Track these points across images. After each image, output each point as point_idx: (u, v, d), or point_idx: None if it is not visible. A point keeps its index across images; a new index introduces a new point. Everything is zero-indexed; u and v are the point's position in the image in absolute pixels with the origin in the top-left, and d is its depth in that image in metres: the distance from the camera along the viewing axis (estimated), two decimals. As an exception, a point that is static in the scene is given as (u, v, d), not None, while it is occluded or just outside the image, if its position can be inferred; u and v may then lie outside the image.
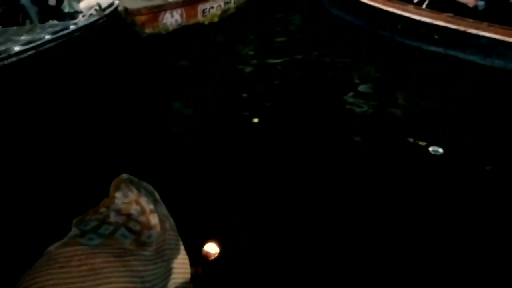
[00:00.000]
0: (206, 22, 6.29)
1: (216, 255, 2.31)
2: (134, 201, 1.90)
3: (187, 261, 1.85)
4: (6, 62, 4.29)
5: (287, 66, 5.20)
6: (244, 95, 4.48)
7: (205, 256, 2.31)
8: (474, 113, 4.09)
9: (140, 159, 3.08)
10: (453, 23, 4.99)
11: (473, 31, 4.84)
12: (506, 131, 3.80)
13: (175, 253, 1.79)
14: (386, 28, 5.63)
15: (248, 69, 5.06)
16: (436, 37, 5.15)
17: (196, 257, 2.18)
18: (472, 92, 4.56)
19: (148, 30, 5.65)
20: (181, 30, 5.92)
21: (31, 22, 5.36)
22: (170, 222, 1.91)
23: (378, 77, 5.04)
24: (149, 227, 1.81)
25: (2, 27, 5.10)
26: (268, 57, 5.44)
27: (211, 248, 2.36)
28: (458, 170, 3.18)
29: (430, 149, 3.43)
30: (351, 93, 4.57)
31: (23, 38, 4.72)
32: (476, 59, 4.96)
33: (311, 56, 5.51)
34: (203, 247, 2.34)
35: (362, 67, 5.31)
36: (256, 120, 3.94)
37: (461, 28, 4.92)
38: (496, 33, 4.75)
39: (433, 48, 5.25)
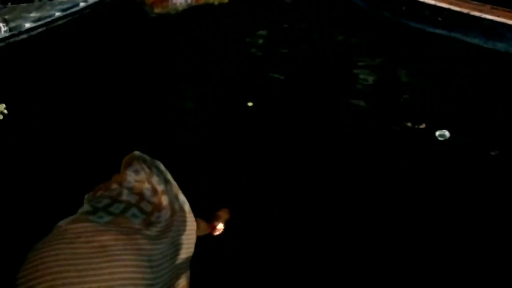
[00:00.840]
0: (216, 3, 6.23)
1: (222, 230, 2.34)
2: (146, 180, 1.89)
3: (193, 245, 1.86)
4: (17, 38, 4.31)
5: (293, 50, 5.13)
6: (250, 79, 4.43)
7: (213, 230, 2.35)
8: (478, 97, 4.03)
9: (148, 136, 3.10)
10: (456, 5, 5.02)
11: (476, 14, 4.84)
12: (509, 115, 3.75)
13: (181, 233, 1.80)
14: (391, 10, 5.62)
15: (255, 52, 5.01)
16: (439, 19, 5.16)
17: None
18: (475, 76, 4.50)
19: (157, 10, 5.61)
20: (190, 11, 5.87)
21: (40, -1, 5.33)
22: (179, 203, 1.91)
23: (382, 60, 4.99)
24: (160, 208, 1.82)
25: (12, 3, 5.09)
26: (275, 41, 5.37)
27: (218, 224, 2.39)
28: (466, 154, 3.13)
29: (437, 133, 3.39)
30: (354, 78, 4.53)
31: (33, 15, 4.72)
32: (480, 42, 4.96)
33: (315, 40, 5.43)
34: (210, 222, 2.37)
35: (366, 49, 5.26)
36: (250, 104, 3.91)
37: (464, 10, 4.92)
38: (498, 15, 4.76)
39: (437, 31, 5.28)
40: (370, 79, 4.43)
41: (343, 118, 3.71)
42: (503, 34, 4.74)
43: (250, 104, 3.81)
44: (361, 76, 4.53)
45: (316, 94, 4.17)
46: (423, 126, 3.41)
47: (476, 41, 4.93)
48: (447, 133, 3.31)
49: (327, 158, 3.19)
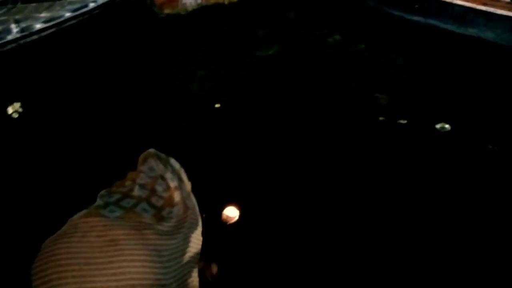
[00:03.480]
0: (226, 2, 6.22)
1: (234, 220, 2.38)
2: (159, 176, 1.95)
3: (200, 241, 1.90)
4: (28, 39, 4.37)
5: (300, 50, 5.15)
6: (257, 79, 4.45)
7: (224, 221, 2.39)
8: (460, 85, 4.05)
9: (158, 135, 3.14)
10: None
11: (447, 0, 4.91)
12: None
13: (193, 231, 1.84)
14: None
15: (264, 53, 5.02)
16: (416, 6, 5.26)
17: (215, 222, 2.28)
18: (453, 63, 4.52)
19: (167, 11, 5.66)
20: (200, 11, 5.88)
21: (49, -1, 5.40)
22: (192, 201, 1.96)
23: (366, 46, 5.01)
24: (172, 204, 1.87)
25: (22, 3, 5.16)
26: (282, 41, 5.38)
27: (230, 213, 2.43)
28: (467, 147, 3.13)
29: (438, 126, 3.39)
30: (344, 70, 4.55)
31: (43, 15, 4.77)
32: (453, 28, 5.02)
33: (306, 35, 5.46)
34: (221, 213, 2.42)
35: (350, 38, 5.29)
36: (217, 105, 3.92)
37: None
38: (467, 0, 4.81)
39: (415, 18, 5.36)
40: (358, 71, 4.44)
41: (339, 112, 3.70)
42: (472, 20, 4.85)
43: (217, 105, 3.81)
44: (351, 67, 4.55)
45: (310, 89, 4.17)
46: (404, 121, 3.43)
47: (449, 27, 5.00)
48: (447, 126, 3.31)
49: (330, 151, 3.18)
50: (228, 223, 2.39)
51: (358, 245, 2.32)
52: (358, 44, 5.10)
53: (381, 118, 3.50)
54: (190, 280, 1.77)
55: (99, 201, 1.80)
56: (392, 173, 2.88)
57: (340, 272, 2.15)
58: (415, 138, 3.28)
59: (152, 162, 2.03)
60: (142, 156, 2.08)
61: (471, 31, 4.86)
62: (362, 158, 3.06)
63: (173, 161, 2.10)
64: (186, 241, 1.77)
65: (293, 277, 2.09)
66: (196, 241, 1.84)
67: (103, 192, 1.88)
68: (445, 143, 3.21)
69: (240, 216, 2.42)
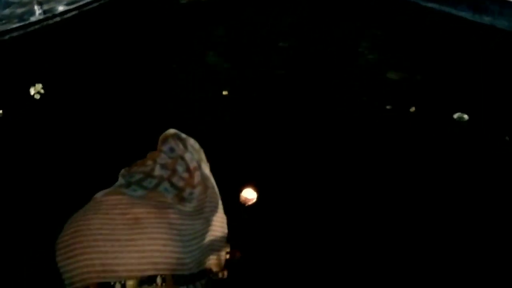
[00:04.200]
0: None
1: (253, 201, 2.39)
2: (179, 157, 1.97)
3: (225, 220, 1.92)
4: (50, 22, 4.42)
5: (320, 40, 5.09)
6: (275, 71, 4.42)
7: (243, 203, 2.40)
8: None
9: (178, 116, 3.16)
10: None
11: None
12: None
13: (214, 212, 1.85)
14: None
15: (284, 44, 4.98)
16: None
17: (235, 204, 2.29)
18: (467, 51, 4.41)
19: (188, -3, 5.65)
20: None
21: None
22: (211, 182, 1.97)
23: (382, 33, 4.93)
24: (192, 184, 1.88)
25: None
26: (303, 31, 5.32)
27: (249, 195, 2.44)
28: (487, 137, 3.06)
29: (455, 116, 3.31)
30: (356, 60, 4.48)
31: (66, -3, 4.83)
32: (467, 15, 4.91)
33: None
34: (240, 194, 2.43)
35: (362, 24, 5.21)
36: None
37: None
38: None
39: (429, 4, 5.26)
40: (373, 60, 4.38)
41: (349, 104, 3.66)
42: (487, 8, 4.72)
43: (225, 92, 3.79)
44: (364, 58, 4.48)
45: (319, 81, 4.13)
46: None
47: (464, 14, 4.92)
48: (465, 116, 3.24)
49: (341, 142, 3.16)
50: (246, 205, 2.39)
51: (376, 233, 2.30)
52: (374, 30, 5.03)
53: (411, 109, 3.45)
54: (209, 262, 1.79)
55: (121, 180, 1.82)
56: (408, 164, 2.83)
57: (364, 257, 2.13)
58: (432, 127, 3.22)
59: (172, 142, 2.04)
60: (162, 136, 2.10)
61: (486, 19, 4.75)
62: (376, 147, 3.02)
63: (192, 142, 2.12)
64: (208, 223, 1.78)
65: (312, 261, 2.08)
66: (218, 224, 1.85)
67: (124, 171, 1.91)
68: (464, 134, 3.14)
69: (259, 198, 2.42)
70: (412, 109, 3.42)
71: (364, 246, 2.17)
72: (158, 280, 1.56)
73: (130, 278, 1.53)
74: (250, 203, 2.41)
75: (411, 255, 2.15)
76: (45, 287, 1.75)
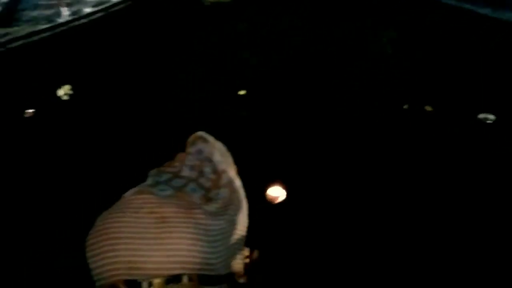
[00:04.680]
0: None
1: (280, 200, 2.40)
2: (207, 159, 2.00)
3: (246, 225, 1.93)
4: (77, 23, 4.55)
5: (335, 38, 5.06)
6: (292, 66, 4.41)
7: (270, 201, 2.41)
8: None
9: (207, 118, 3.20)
10: None
11: None
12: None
13: (239, 214, 1.86)
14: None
15: (300, 41, 4.95)
16: None
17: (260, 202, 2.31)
18: (488, 48, 4.31)
19: (212, -1, 5.73)
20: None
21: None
22: (237, 184, 1.99)
23: (397, 34, 4.87)
24: (218, 186, 1.90)
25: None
26: (317, 28, 5.30)
27: (275, 193, 2.45)
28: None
29: (481, 116, 3.23)
30: (372, 55, 4.43)
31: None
32: (487, 12, 4.81)
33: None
34: (266, 193, 2.44)
35: (380, 21, 5.15)
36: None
37: None
38: None
39: (448, 1, 5.19)
40: (391, 59, 4.31)
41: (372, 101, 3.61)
42: (510, 4, 4.63)
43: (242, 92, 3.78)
44: (382, 53, 4.42)
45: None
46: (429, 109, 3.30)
47: (483, 11, 4.83)
48: (491, 116, 3.15)
49: (357, 140, 3.13)
50: (273, 203, 2.40)
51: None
52: (389, 30, 4.98)
53: (427, 108, 3.41)
54: (235, 262, 1.80)
55: (150, 180, 1.86)
56: (430, 165, 2.79)
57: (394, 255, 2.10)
58: (457, 128, 3.15)
59: (200, 145, 2.07)
60: (191, 138, 2.14)
61: (508, 15, 4.66)
62: (396, 147, 2.98)
63: (220, 145, 2.14)
64: (232, 223, 1.80)
65: (341, 260, 2.06)
66: (242, 224, 1.86)
67: (153, 171, 1.94)
68: (489, 135, 3.07)
69: (287, 196, 2.42)
70: (429, 108, 3.37)
71: (394, 249, 2.14)
72: (185, 279, 1.57)
73: (157, 276, 1.55)
74: (277, 201, 2.42)
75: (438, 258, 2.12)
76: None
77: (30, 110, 3.51)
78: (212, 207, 1.76)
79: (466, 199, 2.44)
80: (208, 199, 1.81)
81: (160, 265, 1.57)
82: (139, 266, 1.56)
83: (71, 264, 1.94)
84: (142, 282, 1.55)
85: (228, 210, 1.81)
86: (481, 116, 3.23)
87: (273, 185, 2.52)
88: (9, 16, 4.72)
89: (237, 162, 2.15)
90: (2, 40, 4.34)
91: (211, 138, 2.12)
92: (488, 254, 2.08)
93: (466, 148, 2.91)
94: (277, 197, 2.45)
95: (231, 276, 1.74)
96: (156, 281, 1.55)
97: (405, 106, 3.44)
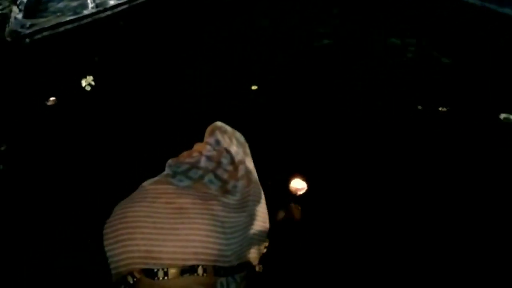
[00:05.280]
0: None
1: (303, 191, 2.38)
2: (224, 150, 1.99)
3: (267, 215, 1.92)
4: (102, 15, 4.61)
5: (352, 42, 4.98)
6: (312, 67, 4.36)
7: (293, 193, 2.40)
8: None
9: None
10: None
11: None
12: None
13: (257, 206, 1.85)
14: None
15: (320, 43, 4.88)
16: None
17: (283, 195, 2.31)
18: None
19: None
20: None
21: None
22: (255, 176, 1.98)
23: (417, 41, 4.73)
24: (236, 177, 1.89)
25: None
26: (337, 33, 5.21)
27: (298, 185, 2.44)
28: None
29: (502, 116, 3.12)
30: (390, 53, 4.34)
31: (116, -8, 4.99)
32: (511, 12, 4.64)
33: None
34: (289, 185, 2.43)
35: (398, 21, 5.02)
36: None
37: None
38: None
39: (471, 0, 5.04)
40: (409, 55, 4.22)
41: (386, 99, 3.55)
42: None
43: (254, 87, 3.75)
44: (394, 52, 4.32)
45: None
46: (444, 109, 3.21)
47: (507, 11, 4.64)
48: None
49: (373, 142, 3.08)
50: (296, 195, 2.38)
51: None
52: (410, 38, 4.84)
53: (441, 109, 3.32)
54: (249, 256, 1.79)
55: (167, 170, 1.86)
56: (451, 165, 2.71)
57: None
58: (477, 128, 3.06)
59: (219, 135, 2.06)
60: (209, 128, 2.13)
61: None
62: (415, 147, 2.92)
63: (238, 135, 2.12)
64: (250, 217, 1.78)
65: (367, 255, 2.03)
66: (261, 218, 1.85)
67: (170, 161, 1.94)
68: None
69: (309, 187, 2.40)
70: (443, 109, 3.28)
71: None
72: (200, 270, 1.57)
73: (172, 266, 1.55)
74: (300, 193, 2.40)
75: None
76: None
77: (52, 98, 3.58)
78: (231, 199, 1.75)
79: (486, 203, 2.38)
80: (226, 191, 1.80)
81: (175, 255, 1.57)
82: (156, 255, 1.57)
83: (71, 264, 1.96)
84: (158, 271, 1.56)
85: (248, 203, 1.80)
86: (503, 116, 3.12)
87: (294, 178, 2.50)
88: (36, 8, 4.83)
89: (259, 155, 2.14)
90: (29, 31, 4.42)
91: (229, 128, 2.11)
92: (504, 258, 2.03)
93: (489, 149, 2.83)
94: (300, 189, 2.43)
95: (244, 266, 1.73)
96: (172, 270, 1.56)
97: (419, 107, 3.37)
